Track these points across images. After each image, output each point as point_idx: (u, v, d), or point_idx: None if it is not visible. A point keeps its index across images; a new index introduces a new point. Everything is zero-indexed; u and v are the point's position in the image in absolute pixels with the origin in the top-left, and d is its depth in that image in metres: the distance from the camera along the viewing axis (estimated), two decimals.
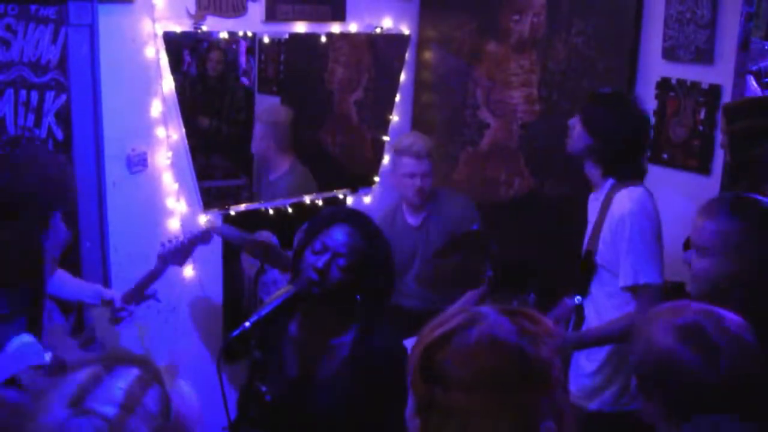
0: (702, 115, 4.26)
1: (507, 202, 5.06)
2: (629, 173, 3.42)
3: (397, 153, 4.48)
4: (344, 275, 2.71)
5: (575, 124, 3.48)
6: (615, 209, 3.34)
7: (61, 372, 1.51)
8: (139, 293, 3.70)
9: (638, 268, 3.26)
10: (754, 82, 4.92)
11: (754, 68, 4.94)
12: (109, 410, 1.43)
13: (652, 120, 4.01)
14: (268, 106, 5.12)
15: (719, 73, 4.19)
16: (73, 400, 1.44)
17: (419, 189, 4.39)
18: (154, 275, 3.70)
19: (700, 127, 4.27)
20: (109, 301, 3.62)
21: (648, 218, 3.31)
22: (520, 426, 1.46)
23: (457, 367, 1.48)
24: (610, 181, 3.42)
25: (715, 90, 4.19)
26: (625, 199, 3.32)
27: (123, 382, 1.48)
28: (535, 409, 1.47)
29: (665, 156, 4.34)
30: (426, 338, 1.54)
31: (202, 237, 3.81)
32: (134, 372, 1.50)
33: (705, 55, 4.19)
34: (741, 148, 3.81)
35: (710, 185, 4.15)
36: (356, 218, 2.86)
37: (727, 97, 4.16)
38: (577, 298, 3.50)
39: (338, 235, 2.74)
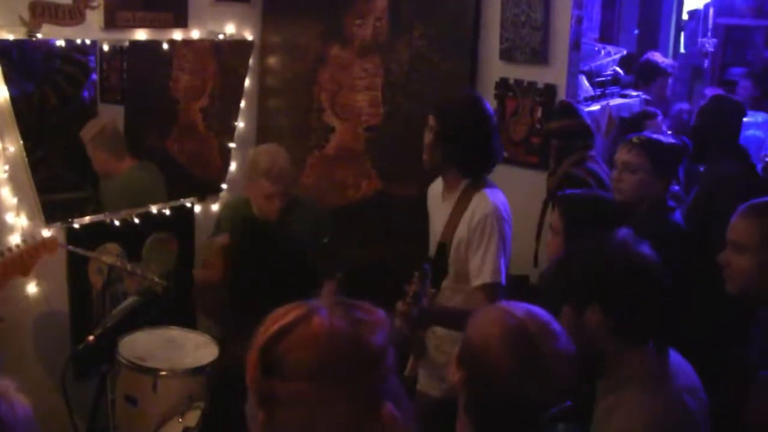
0: (539, 114, 4.44)
1: (355, 204, 5.11)
2: (483, 169, 3.52)
3: (255, 174, 4.15)
4: None
5: (427, 138, 3.51)
6: (475, 208, 3.42)
7: None
8: None
9: (494, 267, 3.36)
10: (586, 82, 5.13)
11: (586, 68, 5.15)
12: None
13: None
14: (86, 125, 4.94)
15: (553, 73, 4.38)
16: None
17: (277, 208, 4.18)
18: None
19: (538, 125, 4.45)
20: None
21: (507, 221, 3.45)
22: (362, 409, 1.51)
23: (296, 358, 1.51)
24: (464, 182, 3.50)
25: (550, 89, 4.38)
26: (487, 200, 3.42)
27: None
28: (373, 392, 1.52)
29: (506, 154, 4.47)
30: (264, 333, 1.56)
31: None
32: None
33: (539, 56, 4.37)
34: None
35: None
36: None
37: (561, 96, 4.35)
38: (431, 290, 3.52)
39: None
